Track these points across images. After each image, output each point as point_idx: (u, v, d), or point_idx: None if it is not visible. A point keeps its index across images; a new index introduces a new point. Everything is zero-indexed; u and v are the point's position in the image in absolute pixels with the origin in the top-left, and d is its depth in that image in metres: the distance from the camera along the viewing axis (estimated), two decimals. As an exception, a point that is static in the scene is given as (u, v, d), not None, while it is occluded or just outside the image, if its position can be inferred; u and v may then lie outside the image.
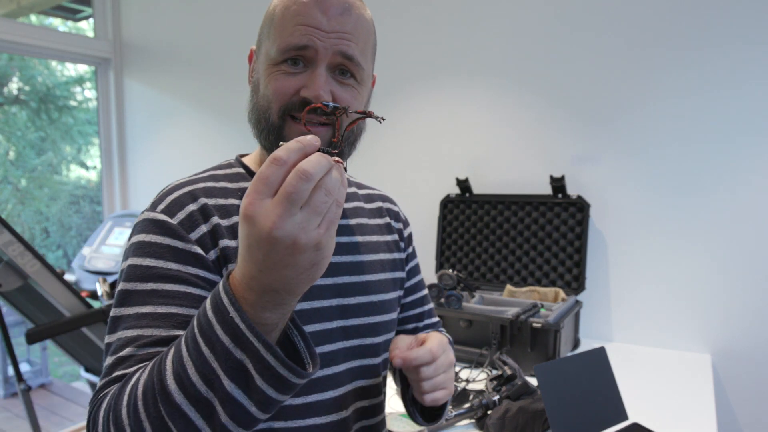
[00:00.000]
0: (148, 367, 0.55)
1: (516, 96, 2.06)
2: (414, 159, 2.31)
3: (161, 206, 0.71)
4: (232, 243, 0.71)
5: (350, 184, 0.92)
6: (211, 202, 0.73)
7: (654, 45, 1.80)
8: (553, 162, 1.99)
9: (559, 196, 1.94)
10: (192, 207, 0.71)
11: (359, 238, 0.84)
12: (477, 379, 1.55)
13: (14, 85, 3.48)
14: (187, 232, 0.69)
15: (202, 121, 3.04)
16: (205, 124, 3.02)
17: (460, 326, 1.72)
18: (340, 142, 0.67)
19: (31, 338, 1.97)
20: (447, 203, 2.19)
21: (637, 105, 1.84)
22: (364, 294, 0.81)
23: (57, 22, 3.56)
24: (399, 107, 2.31)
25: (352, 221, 0.85)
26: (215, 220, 0.71)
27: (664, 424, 1.27)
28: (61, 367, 4.05)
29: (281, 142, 0.49)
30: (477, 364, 1.65)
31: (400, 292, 0.91)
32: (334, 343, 0.76)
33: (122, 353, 0.61)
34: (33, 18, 3.43)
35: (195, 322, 0.53)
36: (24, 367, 3.49)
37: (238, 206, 0.74)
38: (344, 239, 0.82)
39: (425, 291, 0.99)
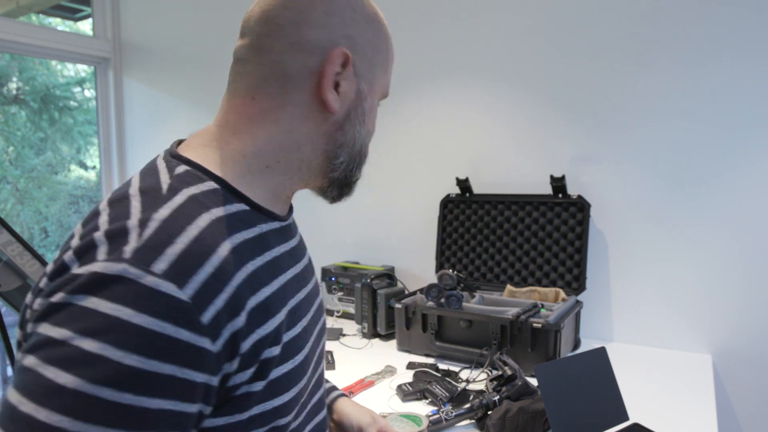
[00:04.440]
0: None
1: (516, 95, 2.06)
2: (414, 159, 2.30)
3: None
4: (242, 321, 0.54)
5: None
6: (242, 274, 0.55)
7: (655, 44, 1.80)
8: (554, 162, 1.99)
9: (560, 195, 1.94)
10: (225, 294, 0.52)
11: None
12: (477, 379, 1.54)
13: (14, 85, 3.47)
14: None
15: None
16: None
17: (460, 326, 1.71)
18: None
19: (31, 338, 1.96)
20: (447, 203, 2.18)
21: (638, 104, 1.84)
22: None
23: (56, 22, 3.55)
24: (399, 108, 2.31)
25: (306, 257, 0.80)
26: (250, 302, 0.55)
27: (665, 424, 1.27)
28: (60, 367, 4.04)
29: None
30: (477, 364, 1.64)
31: None
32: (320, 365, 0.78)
33: None
34: (32, 17, 3.42)
35: None
36: (23, 368, 3.49)
37: (266, 267, 0.60)
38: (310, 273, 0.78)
39: None
